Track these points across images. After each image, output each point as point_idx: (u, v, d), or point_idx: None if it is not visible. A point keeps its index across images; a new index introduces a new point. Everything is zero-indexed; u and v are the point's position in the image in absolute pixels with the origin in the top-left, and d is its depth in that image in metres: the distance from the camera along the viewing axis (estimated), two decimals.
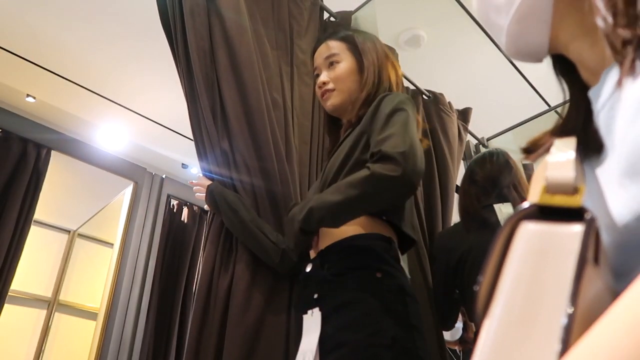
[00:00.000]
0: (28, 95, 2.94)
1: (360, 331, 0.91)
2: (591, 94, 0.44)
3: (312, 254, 1.12)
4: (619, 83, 0.37)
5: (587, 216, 0.29)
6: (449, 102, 2.33)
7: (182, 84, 1.35)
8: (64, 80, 2.82)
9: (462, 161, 2.31)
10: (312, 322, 0.96)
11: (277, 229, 1.25)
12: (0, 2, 2.35)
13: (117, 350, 2.67)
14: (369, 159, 0.99)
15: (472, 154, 2.68)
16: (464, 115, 2.44)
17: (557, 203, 0.32)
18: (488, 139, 2.88)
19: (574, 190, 0.32)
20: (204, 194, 1.30)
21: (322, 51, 1.32)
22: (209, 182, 1.30)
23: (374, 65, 1.26)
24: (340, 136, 1.28)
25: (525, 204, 0.32)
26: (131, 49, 2.64)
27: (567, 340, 0.25)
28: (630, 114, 0.36)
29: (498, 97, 2.84)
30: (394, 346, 0.89)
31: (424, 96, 2.30)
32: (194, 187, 1.34)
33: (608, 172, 0.40)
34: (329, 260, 1.03)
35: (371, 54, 1.28)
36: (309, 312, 0.98)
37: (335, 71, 1.27)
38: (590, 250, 0.29)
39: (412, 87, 2.28)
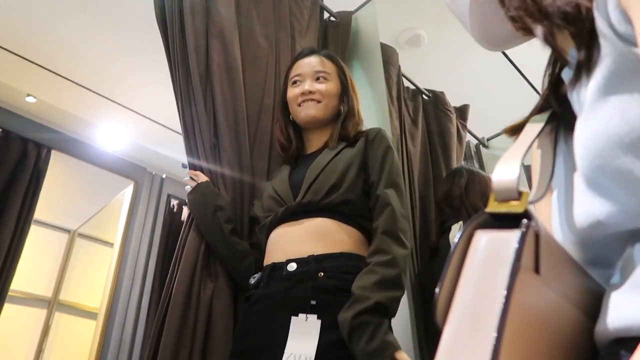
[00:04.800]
0: (28, 95, 2.94)
1: None
2: (564, 74, 0.44)
3: (283, 250, 1.11)
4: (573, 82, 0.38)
5: (524, 224, 0.30)
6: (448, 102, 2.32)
7: (174, 80, 1.36)
8: (64, 79, 2.82)
9: (462, 162, 2.30)
10: (306, 327, 0.98)
11: (242, 223, 1.32)
12: (0, 2, 2.35)
13: (117, 350, 2.67)
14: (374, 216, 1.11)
15: (473, 154, 2.68)
16: (462, 112, 2.42)
17: (503, 210, 0.33)
18: (488, 139, 2.88)
19: (518, 196, 0.33)
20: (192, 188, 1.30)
21: (315, 63, 1.34)
22: (205, 179, 1.29)
23: (354, 96, 1.35)
24: (308, 150, 1.33)
25: (479, 213, 0.34)
26: (132, 49, 2.64)
27: (496, 357, 0.26)
28: (584, 114, 0.36)
29: (498, 97, 2.84)
30: None
31: (424, 96, 2.30)
32: (189, 174, 1.32)
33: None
34: (327, 269, 1.04)
35: (353, 87, 1.37)
36: (302, 315, 0.99)
37: (322, 86, 1.30)
38: (526, 258, 0.29)
39: (412, 87, 2.28)
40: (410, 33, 2.59)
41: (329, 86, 1.31)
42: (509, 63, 2.54)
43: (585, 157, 0.35)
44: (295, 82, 1.34)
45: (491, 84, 2.85)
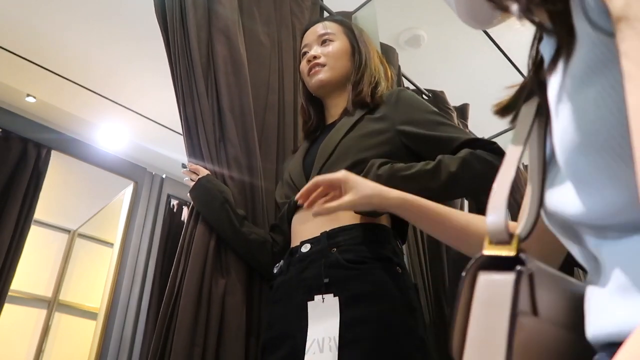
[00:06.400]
0: (28, 95, 2.94)
1: (389, 328, 0.89)
2: (542, 47, 0.42)
3: (299, 235, 1.08)
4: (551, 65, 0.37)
5: (517, 270, 0.31)
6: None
7: (174, 76, 1.34)
8: (64, 80, 2.82)
9: None
10: (324, 309, 0.91)
11: (253, 217, 1.28)
12: (0, 2, 2.35)
13: (117, 350, 2.66)
14: (456, 147, 1.05)
15: None
16: (462, 111, 2.43)
17: (497, 253, 0.35)
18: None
19: (509, 239, 0.35)
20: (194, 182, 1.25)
21: (317, 29, 1.30)
22: (206, 173, 1.25)
23: (367, 52, 1.27)
24: (328, 120, 1.29)
25: (477, 254, 0.36)
26: (132, 49, 2.64)
27: None
28: (562, 105, 0.35)
29: (498, 96, 2.84)
30: (423, 347, 0.90)
31: (424, 96, 2.30)
32: (190, 169, 1.26)
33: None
34: (340, 243, 0.99)
35: (366, 44, 1.29)
36: (318, 298, 0.93)
37: (328, 48, 1.26)
38: (523, 303, 0.31)
39: (412, 87, 2.29)
40: (410, 33, 2.60)
41: (335, 46, 1.25)
42: (509, 63, 2.54)
43: (559, 150, 0.35)
44: (304, 54, 1.30)
45: (491, 83, 2.85)
